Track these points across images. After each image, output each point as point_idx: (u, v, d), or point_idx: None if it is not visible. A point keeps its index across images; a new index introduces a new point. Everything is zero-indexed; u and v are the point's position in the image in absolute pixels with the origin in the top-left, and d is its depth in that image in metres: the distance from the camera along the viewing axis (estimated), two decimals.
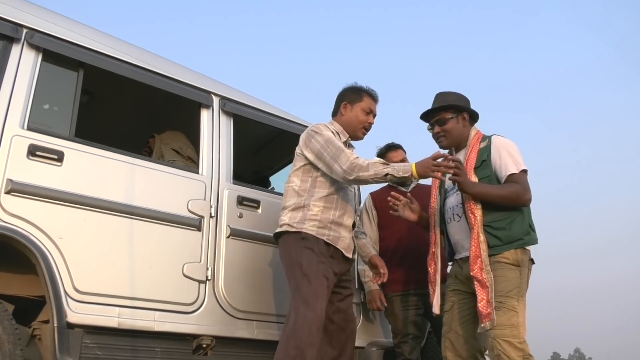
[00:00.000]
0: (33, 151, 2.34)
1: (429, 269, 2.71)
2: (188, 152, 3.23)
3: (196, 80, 3.03)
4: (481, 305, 2.40)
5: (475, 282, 2.45)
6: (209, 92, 3.05)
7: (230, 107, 3.09)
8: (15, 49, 2.43)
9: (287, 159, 4.01)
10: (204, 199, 2.81)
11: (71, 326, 2.27)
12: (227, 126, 3.06)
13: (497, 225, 2.48)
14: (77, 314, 2.29)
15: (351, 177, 2.51)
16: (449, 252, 2.72)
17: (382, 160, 2.57)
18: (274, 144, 3.90)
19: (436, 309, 2.65)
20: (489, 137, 2.64)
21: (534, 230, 2.56)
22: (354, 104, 2.77)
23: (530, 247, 2.53)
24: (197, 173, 2.88)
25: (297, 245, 2.54)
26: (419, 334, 3.10)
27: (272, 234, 2.98)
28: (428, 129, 2.77)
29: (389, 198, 2.74)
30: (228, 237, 2.85)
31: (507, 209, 2.50)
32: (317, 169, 2.63)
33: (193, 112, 3.03)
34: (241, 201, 2.96)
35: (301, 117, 3.50)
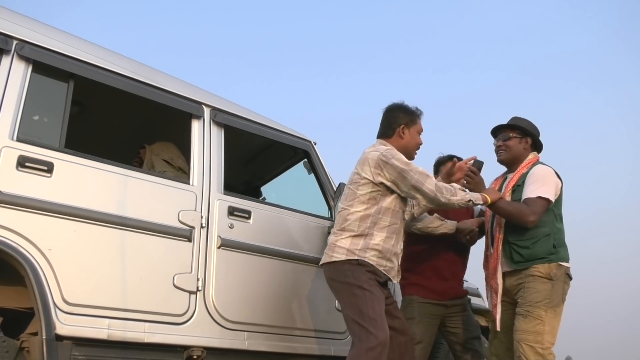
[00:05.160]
0: (22, 162, 2.33)
1: (484, 271, 2.99)
2: (179, 163, 3.23)
3: (187, 91, 3.04)
4: (495, 310, 2.80)
5: (493, 291, 2.82)
6: (200, 103, 3.05)
7: (221, 118, 3.10)
8: (5, 61, 2.42)
9: (279, 169, 4.02)
10: (195, 210, 2.81)
11: (60, 338, 2.26)
12: (218, 137, 3.07)
13: (521, 244, 2.75)
14: (66, 325, 2.28)
15: (442, 200, 2.62)
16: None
17: (458, 185, 2.75)
18: (265, 155, 3.90)
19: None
20: (534, 165, 2.87)
21: (561, 248, 2.75)
22: (411, 127, 2.81)
23: (568, 264, 2.75)
24: (188, 184, 2.87)
25: (356, 269, 2.55)
26: (430, 344, 3.12)
27: (263, 245, 3.01)
28: (494, 143, 3.03)
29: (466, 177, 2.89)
30: (219, 247, 2.84)
31: (532, 230, 2.73)
32: (384, 196, 2.63)
33: (184, 123, 3.03)
34: (232, 212, 2.95)
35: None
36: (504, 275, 2.82)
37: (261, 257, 2.99)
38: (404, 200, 2.73)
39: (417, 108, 2.87)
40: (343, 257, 2.58)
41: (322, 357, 3.11)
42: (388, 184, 2.62)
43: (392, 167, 2.60)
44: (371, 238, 2.60)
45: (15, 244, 2.24)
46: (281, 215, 3.19)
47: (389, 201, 2.65)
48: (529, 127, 2.96)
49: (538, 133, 3.01)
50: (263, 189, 4.27)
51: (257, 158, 3.97)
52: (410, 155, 2.81)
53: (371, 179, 2.62)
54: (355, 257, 2.57)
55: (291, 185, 3.99)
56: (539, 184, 2.76)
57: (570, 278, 2.78)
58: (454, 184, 2.76)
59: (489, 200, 2.72)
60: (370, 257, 2.58)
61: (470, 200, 2.69)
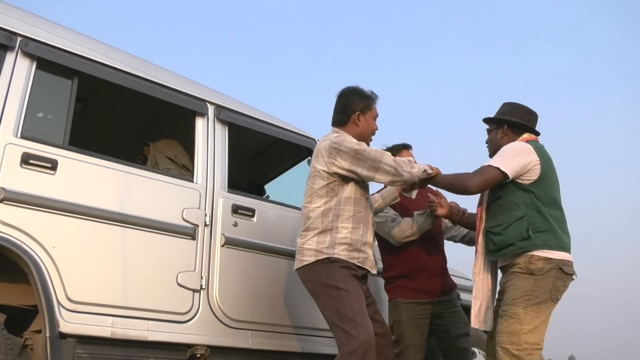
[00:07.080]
0: (26, 159, 2.32)
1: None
2: (183, 161, 3.23)
3: (191, 89, 3.03)
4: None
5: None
6: (204, 101, 3.04)
7: (225, 116, 3.09)
8: (9, 57, 2.42)
9: (282, 167, 4.02)
10: (199, 208, 2.80)
11: (64, 336, 2.25)
12: (222, 134, 3.06)
13: (494, 230, 2.58)
14: (70, 323, 2.28)
15: (404, 174, 2.51)
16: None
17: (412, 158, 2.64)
18: (269, 153, 3.89)
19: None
20: None
21: (541, 234, 2.46)
22: (366, 113, 2.69)
23: (561, 257, 2.46)
24: (192, 181, 2.87)
25: (329, 268, 2.45)
26: (423, 345, 3.06)
27: (267, 243, 3.00)
28: None
29: (430, 200, 2.93)
30: (223, 245, 2.83)
31: (505, 214, 2.55)
32: (342, 186, 2.53)
33: (188, 121, 3.02)
34: (236, 210, 2.95)
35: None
36: (501, 270, 2.66)
37: (265, 256, 2.98)
38: (364, 187, 2.63)
39: (372, 92, 2.73)
40: (313, 259, 2.47)
41: (326, 356, 3.11)
42: (344, 172, 2.51)
43: (344, 152, 2.49)
44: (337, 232, 2.48)
45: (19, 241, 2.23)
46: (285, 213, 3.19)
47: (349, 190, 2.55)
48: (502, 114, 2.79)
49: (520, 115, 2.76)
50: (267, 186, 4.27)
51: (261, 156, 3.96)
52: (365, 142, 2.68)
53: (326, 169, 2.52)
54: (325, 256, 2.46)
55: (295, 183, 3.98)
56: (498, 156, 2.58)
57: (566, 273, 2.46)
58: (409, 157, 2.64)
59: (440, 171, 2.63)
60: (340, 253, 2.46)
61: (424, 169, 2.57)
